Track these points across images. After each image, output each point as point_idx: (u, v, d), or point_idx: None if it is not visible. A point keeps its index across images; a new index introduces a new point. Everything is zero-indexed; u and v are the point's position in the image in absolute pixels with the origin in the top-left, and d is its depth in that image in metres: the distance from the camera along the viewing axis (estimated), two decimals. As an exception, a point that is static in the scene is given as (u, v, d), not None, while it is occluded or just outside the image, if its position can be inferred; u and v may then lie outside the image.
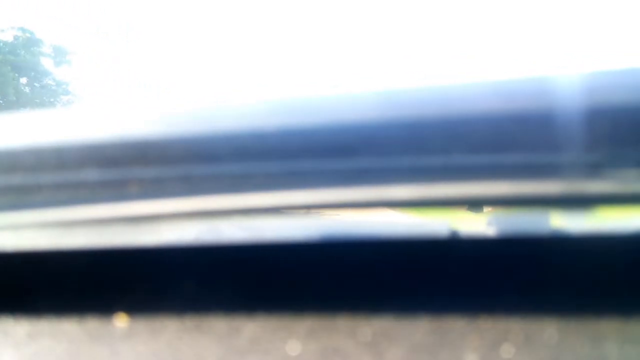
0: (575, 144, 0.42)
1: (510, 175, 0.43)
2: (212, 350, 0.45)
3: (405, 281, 0.50)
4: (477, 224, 0.52)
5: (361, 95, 0.48)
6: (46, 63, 21.88)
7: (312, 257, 0.53)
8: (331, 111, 0.47)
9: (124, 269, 0.54)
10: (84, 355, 0.46)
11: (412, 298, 0.48)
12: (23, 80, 21.73)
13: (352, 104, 0.47)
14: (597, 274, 0.47)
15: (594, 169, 0.42)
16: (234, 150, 0.46)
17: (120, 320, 0.49)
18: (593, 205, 0.48)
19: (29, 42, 20.97)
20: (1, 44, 20.60)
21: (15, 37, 21.07)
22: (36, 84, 22.11)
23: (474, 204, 0.49)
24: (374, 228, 0.55)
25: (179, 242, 0.53)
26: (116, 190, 0.48)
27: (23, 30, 21.07)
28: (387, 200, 0.46)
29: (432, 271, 0.50)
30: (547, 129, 0.42)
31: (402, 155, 0.44)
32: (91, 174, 0.48)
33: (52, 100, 21.88)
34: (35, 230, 0.51)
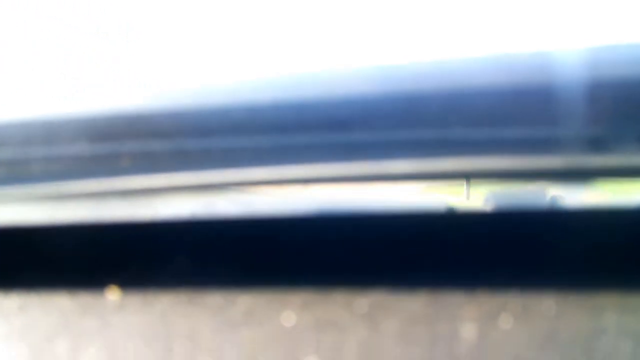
0: (575, 118, 0.42)
1: (510, 150, 0.42)
2: (205, 322, 0.44)
3: (402, 254, 0.49)
4: (476, 198, 0.51)
5: (359, 69, 0.47)
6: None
7: (308, 231, 0.52)
8: (328, 85, 0.46)
9: (117, 243, 0.54)
10: (74, 327, 0.45)
11: (409, 271, 0.47)
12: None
13: (350, 77, 0.47)
14: (596, 247, 0.46)
15: (594, 143, 0.41)
16: (229, 125, 0.45)
17: (113, 294, 0.49)
18: (593, 180, 0.47)
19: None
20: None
21: None
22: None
23: (473, 178, 0.48)
24: (371, 202, 0.54)
25: (173, 216, 0.52)
26: (109, 165, 0.47)
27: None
28: (384, 175, 0.45)
29: (430, 244, 0.50)
30: (548, 103, 0.42)
31: (400, 129, 0.44)
32: (84, 148, 0.47)
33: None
34: (27, 205, 0.50)
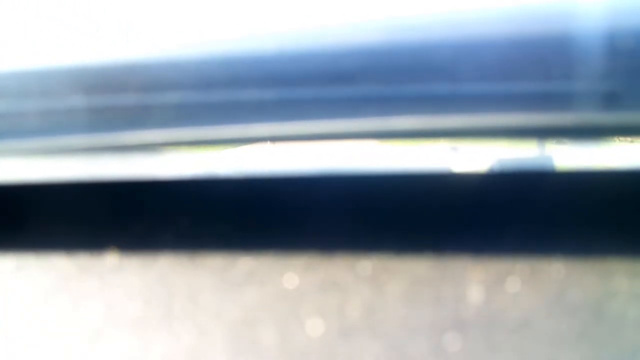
0: (588, 72, 0.40)
1: (521, 106, 0.41)
2: (205, 283, 0.43)
3: (407, 215, 0.48)
4: (484, 158, 0.50)
5: (362, 21, 0.45)
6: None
7: (310, 190, 0.51)
8: (332, 36, 0.44)
9: (116, 202, 0.52)
10: (72, 287, 0.44)
11: (414, 232, 0.46)
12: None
13: (355, 29, 0.45)
14: (606, 209, 0.45)
15: (607, 100, 0.40)
16: (229, 77, 0.44)
17: (111, 253, 0.48)
18: (606, 138, 0.46)
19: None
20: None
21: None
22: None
23: (482, 135, 0.46)
24: (376, 161, 0.53)
25: (173, 175, 0.51)
26: (108, 118, 0.45)
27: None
28: (389, 131, 0.43)
29: (436, 205, 0.48)
30: (559, 56, 0.40)
31: (406, 83, 0.42)
32: (80, 101, 0.45)
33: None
34: (22, 160, 0.49)
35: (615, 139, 0.45)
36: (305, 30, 0.46)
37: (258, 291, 0.42)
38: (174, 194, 0.52)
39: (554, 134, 0.44)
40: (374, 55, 0.42)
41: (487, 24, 0.41)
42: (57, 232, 0.50)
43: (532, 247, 0.43)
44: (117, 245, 0.48)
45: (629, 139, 0.46)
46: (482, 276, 0.41)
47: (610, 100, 0.40)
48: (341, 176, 0.51)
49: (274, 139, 0.45)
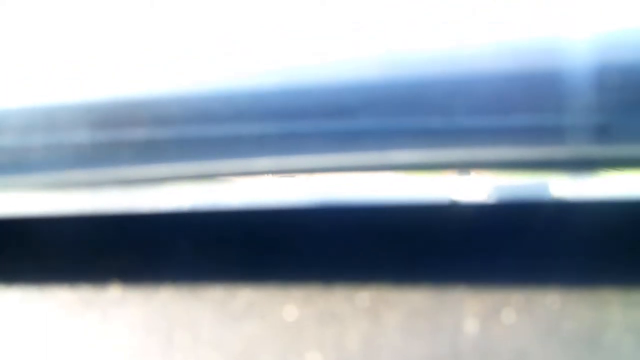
0: (581, 106, 0.41)
1: (515, 139, 0.42)
2: (206, 315, 0.44)
3: (405, 246, 0.49)
4: (480, 189, 0.50)
5: (362, 56, 0.46)
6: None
7: (310, 222, 0.51)
8: (332, 72, 0.45)
9: (119, 234, 0.53)
10: (75, 319, 0.45)
11: (411, 263, 0.47)
12: None
13: (354, 64, 0.46)
14: (601, 240, 0.46)
15: (600, 133, 0.41)
16: (231, 112, 0.45)
17: (114, 285, 0.48)
18: (599, 170, 0.47)
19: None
20: None
21: None
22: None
23: (477, 168, 0.47)
24: (374, 192, 0.54)
25: (174, 207, 0.52)
26: (110, 153, 0.46)
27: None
28: (387, 165, 0.44)
29: (433, 236, 0.49)
30: (553, 90, 0.41)
31: (403, 117, 0.43)
32: (84, 136, 0.46)
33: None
34: (28, 194, 0.50)
35: (608, 170, 0.46)
36: (306, 65, 0.47)
37: (258, 323, 0.43)
38: (175, 226, 0.53)
39: (548, 166, 0.45)
40: (374, 90, 0.43)
41: (483, 60, 0.42)
42: (61, 265, 0.50)
43: (527, 278, 0.44)
44: (119, 277, 0.49)
45: (621, 170, 0.47)
46: (478, 307, 0.42)
47: (602, 133, 0.41)
48: (339, 208, 0.52)
49: (275, 172, 0.46)
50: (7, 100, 0.49)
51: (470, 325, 0.41)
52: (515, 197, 0.49)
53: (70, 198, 0.51)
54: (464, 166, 0.46)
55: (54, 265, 0.50)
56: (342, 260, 0.48)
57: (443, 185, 0.52)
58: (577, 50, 0.41)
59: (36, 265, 0.51)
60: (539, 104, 0.41)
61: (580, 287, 0.43)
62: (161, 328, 0.43)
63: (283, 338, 0.41)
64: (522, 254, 0.46)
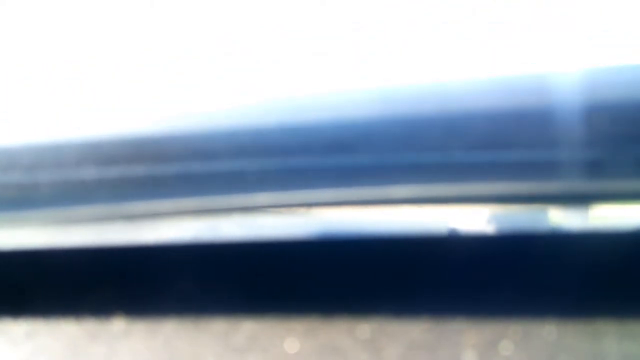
0: (574, 141, 0.42)
1: (510, 174, 0.43)
2: (210, 349, 0.45)
3: (404, 279, 0.50)
4: (477, 222, 0.51)
5: (359, 93, 0.48)
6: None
7: (310, 255, 0.52)
8: (331, 108, 0.46)
9: (123, 268, 0.54)
10: (81, 353, 0.45)
11: (411, 295, 0.48)
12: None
13: (350, 101, 0.47)
14: (597, 272, 0.47)
15: (593, 167, 0.42)
16: (232, 149, 0.46)
17: (119, 319, 0.49)
18: (593, 203, 0.47)
19: None
20: None
21: None
22: None
23: (474, 202, 0.48)
24: (373, 226, 0.55)
25: (177, 241, 0.53)
26: (115, 189, 0.47)
27: None
28: (385, 199, 0.45)
29: (431, 269, 0.50)
30: (546, 126, 0.42)
31: (400, 153, 0.44)
32: (89, 172, 0.47)
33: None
34: (34, 229, 0.51)
35: (601, 203, 0.47)
36: (305, 102, 0.48)
37: (260, 356, 0.43)
38: (178, 260, 0.54)
39: (542, 200, 0.46)
40: (372, 126, 0.44)
41: (479, 97, 0.43)
42: (67, 299, 0.51)
43: (524, 310, 0.44)
44: (124, 311, 0.50)
45: (613, 203, 0.48)
46: (477, 339, 0.43)
47: (595, 167, 0.42)
48: (339, 242, 0.53)
49: (276, 206, 0.47)
50: (15, 137, 0.50)
51: (469, 357, 0.41)
52: (513, 229, 0.50)
53: (76, 232, 0.52)
54: (461, 200, 0.47)
55: (59, 300, 0.51)
56: (343, 293, 0.49)
57: (440, 218, 0.53)
58: (569, 86, 0.42)
59: (42, 300, 0.51)
60: (533, 140, 0.42)
61: (577, 318, 0.43)
62: (165, 361, 0.44)
63: (285, 371, 0.42)
64: (519, 285, 0.47)
